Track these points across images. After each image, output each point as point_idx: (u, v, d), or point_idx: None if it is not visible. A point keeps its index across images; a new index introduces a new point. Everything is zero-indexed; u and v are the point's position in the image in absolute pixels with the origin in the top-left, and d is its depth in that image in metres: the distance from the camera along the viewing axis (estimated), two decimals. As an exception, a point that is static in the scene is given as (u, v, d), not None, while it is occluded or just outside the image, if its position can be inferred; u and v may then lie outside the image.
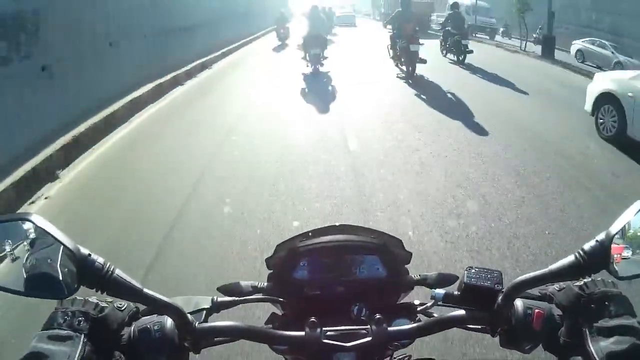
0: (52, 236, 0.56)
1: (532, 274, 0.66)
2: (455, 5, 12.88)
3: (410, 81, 9.49)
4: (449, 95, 8.49)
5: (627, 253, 0.61)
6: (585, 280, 0.69)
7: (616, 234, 0.59)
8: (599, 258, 0.59)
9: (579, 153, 5.33)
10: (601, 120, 5.97)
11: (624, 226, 0.59)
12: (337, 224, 0.88)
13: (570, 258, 0.62)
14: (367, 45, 16.68)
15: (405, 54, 9.93)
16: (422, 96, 8.26)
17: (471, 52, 12.22)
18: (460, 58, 12.46)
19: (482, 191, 4.11)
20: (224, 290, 0.86)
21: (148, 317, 0.73)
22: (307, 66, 10.31)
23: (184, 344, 0.72)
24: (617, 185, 4.43)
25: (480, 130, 6.07)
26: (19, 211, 3.76)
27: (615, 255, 0.60)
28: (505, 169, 4.73)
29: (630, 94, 5.43)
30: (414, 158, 4.99)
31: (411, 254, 0.90)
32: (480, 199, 3.98)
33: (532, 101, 8.21)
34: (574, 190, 4.20)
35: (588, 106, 6.27)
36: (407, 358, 0.88)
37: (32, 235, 0.58)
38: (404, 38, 9.83)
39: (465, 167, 4.78)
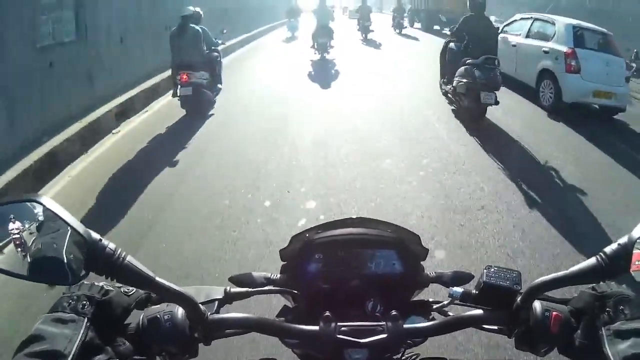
0: (62, 219, 0.54)
1: (552, 276, 0.65)
2: None
3: (364, 42, 16.25)
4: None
5: None
6: (598, 283, 0.69)
7: (639, 237, 0.57)
8: (621, 261, 0.58)
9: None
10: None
11: None
12: (354, 216, 0.85)
13: (592, 261, 0.62)
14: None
15: (362, 28, 16.55)
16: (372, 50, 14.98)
17: (405, 27, 20.35)
18: (397, 30, 19.90)
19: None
20: (236, 281, 0.84)
21: (158, 306, 0.71)
22: (315, 54, 11.47)
23: (195, 334, 0.69)
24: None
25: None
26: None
27: (635, 261, 0.58)
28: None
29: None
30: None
31: (427, 250, 0.88)
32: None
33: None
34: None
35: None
36: (415, 356, 0.86)
37: (41, 218, 0.55)
38: (361, 19, 16.91)
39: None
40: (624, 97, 7.45)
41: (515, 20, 9.03)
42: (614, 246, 0.60)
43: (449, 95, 6.90)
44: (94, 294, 0.65)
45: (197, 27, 6.22)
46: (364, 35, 15.85)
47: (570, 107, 7.37)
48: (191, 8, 6.41)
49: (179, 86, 5.97)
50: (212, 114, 6.51)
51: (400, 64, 11.76)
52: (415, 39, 16.95)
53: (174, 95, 6.20)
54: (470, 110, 6.16)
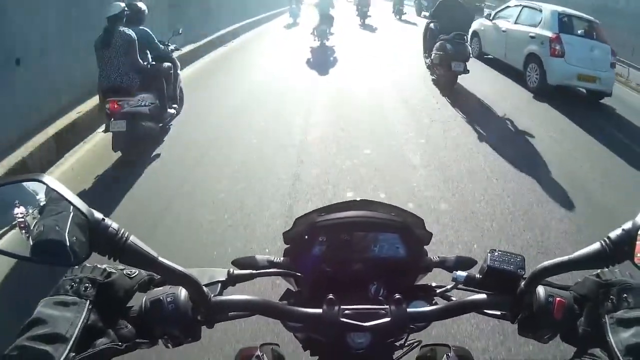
0: (65, 198, 0.53)
1: (556, 260, 0.64)
2: None
3: (362, 27, 15.94)
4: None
5: None
6: (603, 269, 0.67)
7: None
8: (626, 248, 0.56)
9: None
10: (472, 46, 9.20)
11: None
12: (357, 199, 0.83)
13: (596, 246, 0.59)
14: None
15: (360, 13, 16.31)
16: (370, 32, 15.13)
17: (405, 13, 19.45)
18: (398, 17, 19.30)
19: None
20: (239, 264, 0.82)
21: (161, 288, 0.68)
22: (315, 40, 10.88)
23: (198, 317, 0.67)
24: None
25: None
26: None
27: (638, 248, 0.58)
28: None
29: (482, 28, 10.02)
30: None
31: (431, 234, 0.86)
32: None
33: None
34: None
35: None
36: (417, 343, 0.84)
37: (43, 197, 0.54)
38: (359, 5, 16.55)
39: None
40: (608, 82, 7.64)
41: (507, 7, 9.24)
42: (618, 232, 0.58)
43: (429, 66, 7.98)
44: (96, 277, 0.62)
45: (128, 32, 4.14)
46: (362, 20, 16.23)
47: (557, 91, 7.60)
48: (120, 3, 4.26)
49: (111, 119, 3.99)
50: (157, 156, 4.26)
51: (393, 45, 12.04)
52: (415, 24, 16.55)
53: (106, 130, 4.09)
54: (444, 77, 7.15)
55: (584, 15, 8.27)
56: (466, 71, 6.79)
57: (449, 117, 6.07)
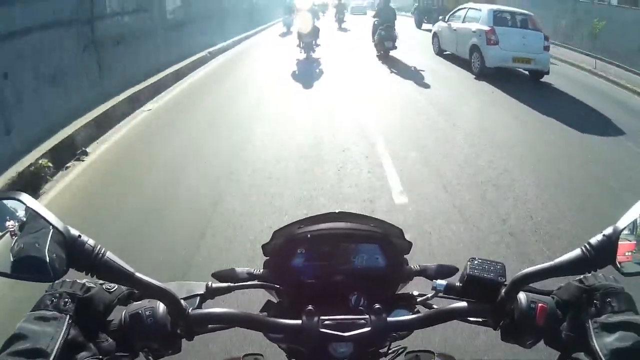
0: (41, 217, 0.50)
1: (537, 267, 0.58)
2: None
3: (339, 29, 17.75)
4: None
5: (631, 249, 0.56)
6: (585, 274, 0.61)
7: (624, 229, 0.53)
8: (606, 253, 0.53)
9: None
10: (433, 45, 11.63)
11: (632, 222, 0.53)
12: (336, 210, 0.78)
13: (577, 252, 0.55)
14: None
15: (337, 19, 19.01)
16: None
17: (344, 21, 20.46)
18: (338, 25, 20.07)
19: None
20: (219, 276, 0.77)
21: (139, 302, 0.64)
22: (301, 52, 10.53)
23: (177, 330, 0.63)
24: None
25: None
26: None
27: (620, 252, 0.54)
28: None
29: (439, 29, 11.13)
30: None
31: (411, 243, 0.80)
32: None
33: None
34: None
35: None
36: (402, 350, 0.79)
37: (22, 215, 0.53)
38: (337, 13, 18.81)
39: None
40: (543, 62, 8.48)
41: (458, 10, 10.58)
42: (599, 237, 0.54)
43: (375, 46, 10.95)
44: (76, 291, 0.59)
45: None
46: (339, 25, 18.72)
47: (498, 73, 8.43)
48: None
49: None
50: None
51: (357, 38, 13.98)
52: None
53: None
54: (381, 52, 10.61)
55: (519, 10, 9.31)
56: (394, 47, 10.30)
57: (384, 72, 9.32)
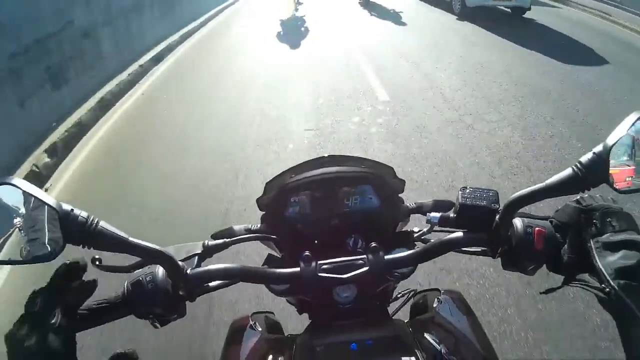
0: (34, 195, 0.49)
1: (529, 189, 0.56)
2: None
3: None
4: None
5: (625, 166, 0.54)
6: (582, 195, 0.60)
7: (614, 145, 0.51)
8: (598, 171, 0.51)
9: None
10: None
11: (621, 138, 0.51)
12: (325, 155, 0.76)
13: (568, 171, 0.53)
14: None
15: None
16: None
17: None
18: None
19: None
20: (217, 236, 0.76)
21: (140, 269, 0.64)
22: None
23: (179, 292, 0.62)
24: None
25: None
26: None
27: (613, 169, 0.52)
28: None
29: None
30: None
31: (404, 181, 0.78)
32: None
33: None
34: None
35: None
36: (412, 292, 0.81)
37: (14, 199, 0.52)
38: None
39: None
40: None
41: None
42: (589, 155, 0.52)
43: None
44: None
45: None
46: None
47: (480, 13, 8.29)
48: None
49: None
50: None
51: None
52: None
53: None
54: (361, 5, 10.54)
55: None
56: (368, 3, 10.40)
57: (365, 16, 9.54)
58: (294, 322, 0.86)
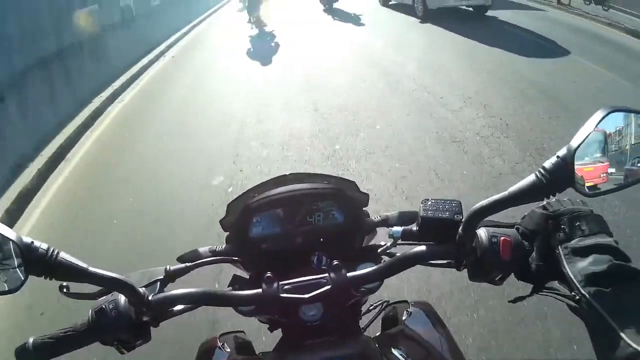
0: None
1: (491, 199, 0.54)
2: None
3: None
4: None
5: (589, 168, 0.51)
6: (548, 200, 0.58)
7: (578, 147, 0.48)
8: (563, 175, 0.49)
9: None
10: None
11: (585, 139, 0.48)
12: (287, 173, 0.76)
13: (531, 178, 0.50)
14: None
15: None
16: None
17: None
18: None
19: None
20: (183, 258, 0.75)
21: (104, 297, 0.63)
22: (252, 28, 9.81)
23: (143, 318, 0.61)
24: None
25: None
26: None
27: (580, 172, 0.49)
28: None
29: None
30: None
31: (368, 195, 0.77)
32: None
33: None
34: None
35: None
36: (385, 303, 0.80)
37: None
38: None
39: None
40: None
41: None
42: (552, 160, 0.49)
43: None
44: None
45: None
46: None
47: (443, 13, 8.50)
48: None
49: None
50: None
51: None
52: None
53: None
54: (326, 5, 11.55)
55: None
56: (332, 7, 11.33)
57: (328, 20, 10.19)
58: (269, 339, 0.85)
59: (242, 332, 0.87)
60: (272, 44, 8.23)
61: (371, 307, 0.83)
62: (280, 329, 0.74)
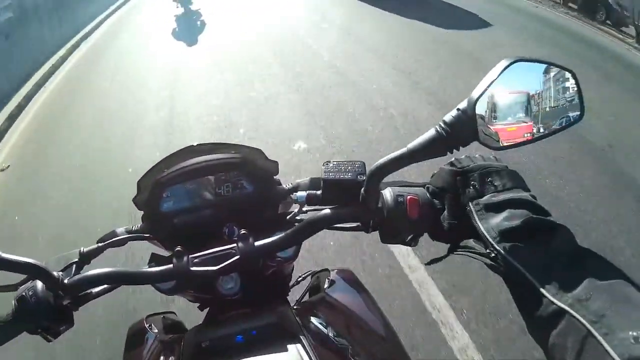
0: None
1: (390, 156, 0.51)
2: None
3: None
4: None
5: (498, 121, 0.48)
6: (456, 158, 0.57)
7: (479, 98, 0.45)
8: (465, 128, 0.46)
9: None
10: None
11: (486, 90, 0.45)
12: (194, 144, 0.73)
13: (431, 132, 0.48)
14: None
15: None
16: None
17: None
18: None
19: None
20: (102, 240, 0.73)
21: (24, 285, 0.61)
22: (177, 7, 8.82)
23: (63, 302, 0.60)
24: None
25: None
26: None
27: (484, 125, 0.47)
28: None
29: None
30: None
31: (277, 162, 0.74)
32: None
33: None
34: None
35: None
36: (307, 275, 0.80)
37: None
38: None
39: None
40: None
41: None
42: (453, 112, 0.47)
43: None
44: None
45: None
46: None
47: None
48: None
49: None
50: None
51: None
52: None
53: None
54: None
55: None
56: None
57: None
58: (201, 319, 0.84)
59: (173, 312, 0.86)
60: (198, 23, 7.74)
61: (299, 279, 0.83)
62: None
